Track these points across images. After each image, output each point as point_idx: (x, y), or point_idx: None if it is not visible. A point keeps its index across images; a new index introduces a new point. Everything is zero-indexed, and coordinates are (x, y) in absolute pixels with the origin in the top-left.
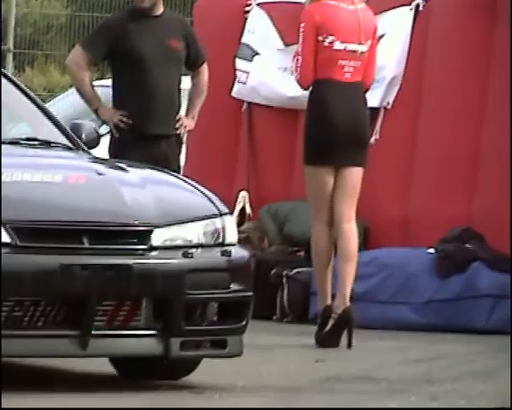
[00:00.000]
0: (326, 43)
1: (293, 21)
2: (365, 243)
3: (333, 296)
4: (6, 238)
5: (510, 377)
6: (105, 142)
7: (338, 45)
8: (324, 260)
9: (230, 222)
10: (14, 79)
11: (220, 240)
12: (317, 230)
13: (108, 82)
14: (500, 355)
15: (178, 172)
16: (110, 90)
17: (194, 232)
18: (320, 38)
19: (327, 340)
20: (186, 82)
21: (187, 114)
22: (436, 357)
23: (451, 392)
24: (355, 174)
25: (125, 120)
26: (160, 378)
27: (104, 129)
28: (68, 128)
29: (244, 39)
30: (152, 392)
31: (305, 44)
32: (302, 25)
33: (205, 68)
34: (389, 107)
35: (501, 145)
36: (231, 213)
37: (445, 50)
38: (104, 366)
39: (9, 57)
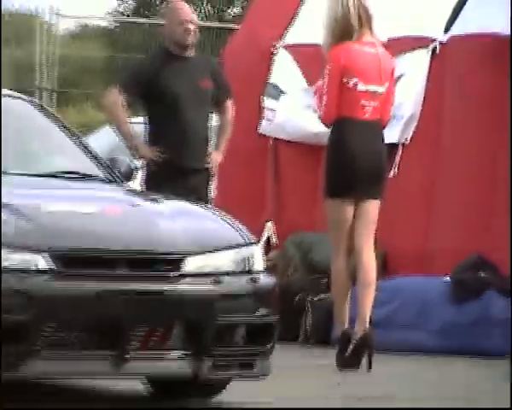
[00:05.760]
0: (350, 85)
1: (316, 62)
2: (384, 272)
3: (352, 321)
4: (45, 265)
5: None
6: (139, 176)
7: (361, 87)
8: (343, 291)
9: (257, 251)
10: (53, 112)
11: (248, 268)
12: (336, 262)
13: (138, 120)
14: None
15: (209, 204)
16: (140, 128)
17: (223, 261)
18: (344, 80)
19: (348, 363)
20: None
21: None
22: (452, 377)
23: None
24: (374, 206)
25: (162, 155)
26: (193, 397)
27: (138, 164)
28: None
29: (271, 79)
30: None
31: (331, 85)
32: (328, 66)
33: (230, 105)
34: (407, 143)
35: None
36: (258, 242)
37: (461, 91)
38: (137, 386)
39: (46, 96)
